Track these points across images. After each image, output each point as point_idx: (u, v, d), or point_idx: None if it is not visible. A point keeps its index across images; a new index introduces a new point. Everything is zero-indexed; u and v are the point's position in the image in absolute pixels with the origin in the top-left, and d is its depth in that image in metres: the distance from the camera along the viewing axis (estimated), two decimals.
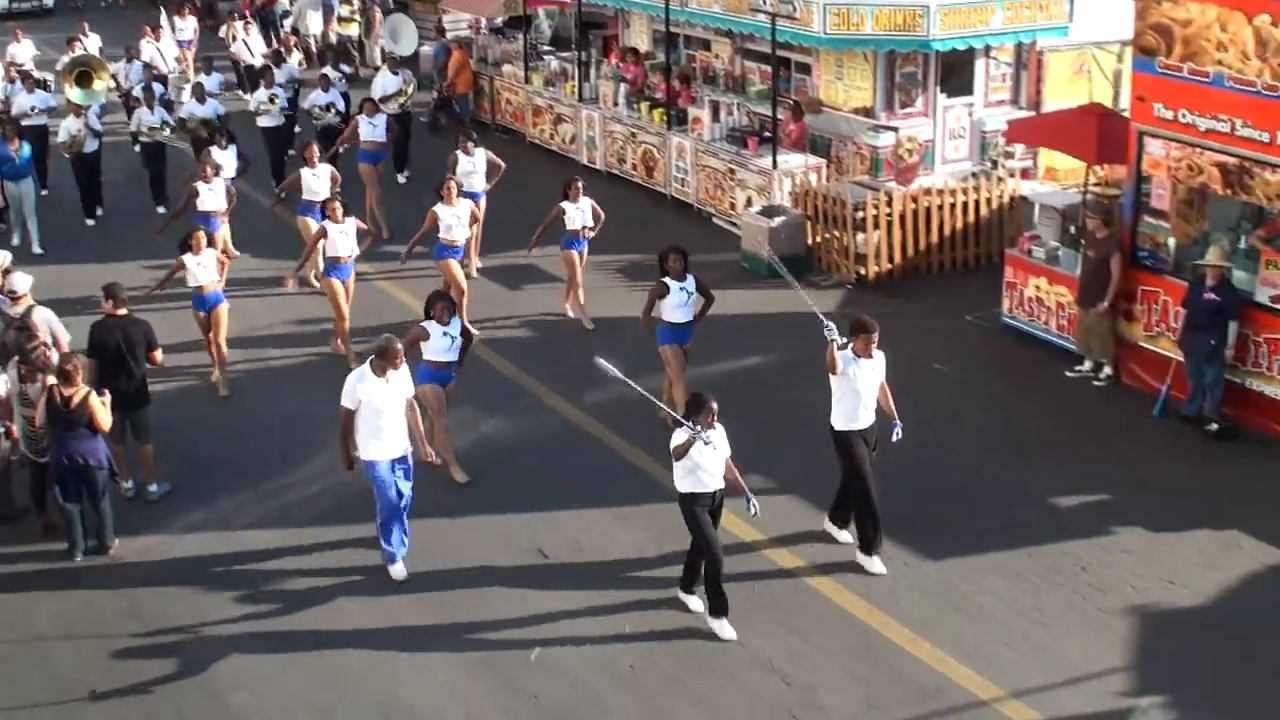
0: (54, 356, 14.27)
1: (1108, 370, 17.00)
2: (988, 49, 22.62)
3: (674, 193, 24.48)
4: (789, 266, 20.44)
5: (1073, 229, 18.08)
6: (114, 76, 27.99)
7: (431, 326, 14.40)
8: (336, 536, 14.01)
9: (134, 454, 14.74)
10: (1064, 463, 14.95)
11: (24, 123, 24.71)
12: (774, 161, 21.97)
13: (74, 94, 25.28)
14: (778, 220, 20.96)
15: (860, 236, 20.47)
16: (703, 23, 24.82)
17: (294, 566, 13.58)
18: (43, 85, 26.94)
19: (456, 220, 18.44)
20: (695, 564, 12.32)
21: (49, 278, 19.57)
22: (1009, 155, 22.57)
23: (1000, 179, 21.55)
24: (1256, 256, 15.62)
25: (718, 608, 12.12)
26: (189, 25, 36.87)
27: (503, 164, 21.48)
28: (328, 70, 27.61)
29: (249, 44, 33.14)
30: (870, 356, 12.76)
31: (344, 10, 37.09)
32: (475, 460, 15.20)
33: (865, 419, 12.86)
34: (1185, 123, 15.68)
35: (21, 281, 15.67)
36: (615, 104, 26.32)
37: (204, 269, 16.67)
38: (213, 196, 20.16)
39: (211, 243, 17.51)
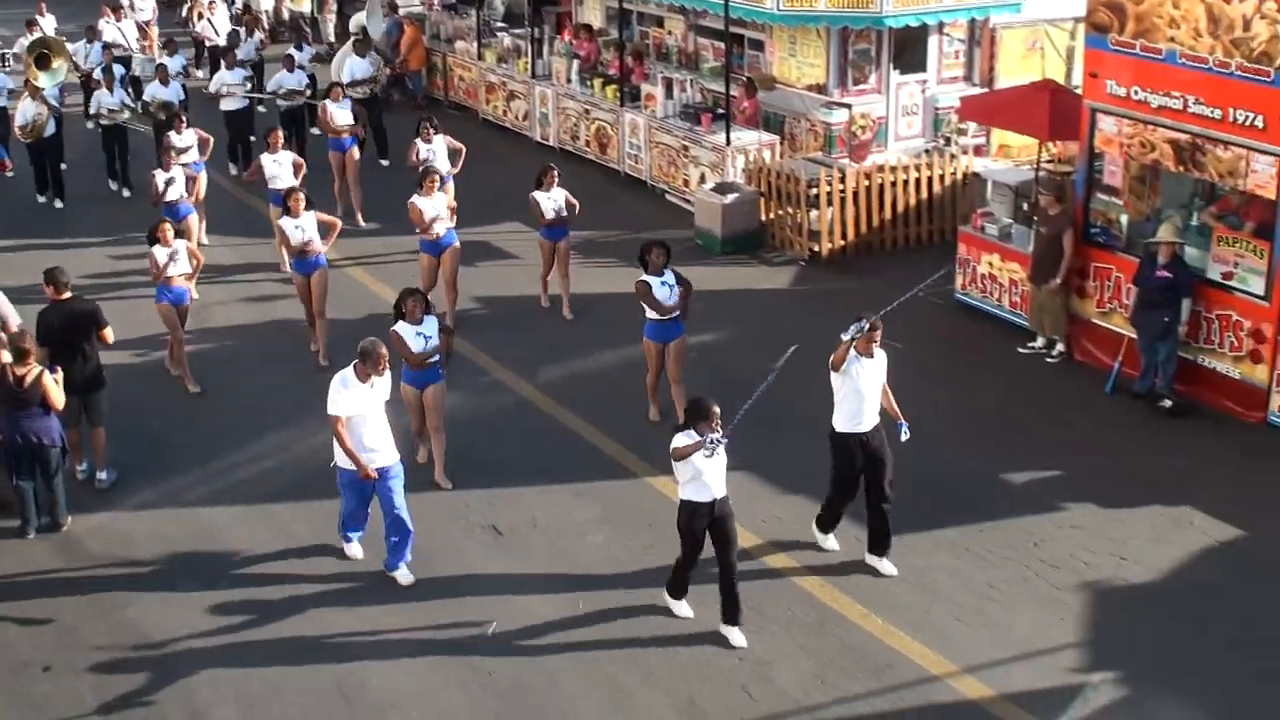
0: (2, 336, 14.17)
1: (1060, 347, 17.03)
2: (941, 25, 22.63)
3: (627, 169, 24.39)
4: (742, 243, 20.57)
5: (1025, 206, 18.12)
6: (73, 58, 26.85)
7: (403, 328, 13.80)
8: (289, 513, 13.91)
9: (87, 437, 14.51)
10: (1017, 438, 14.96)
11: None
12: (727, 138, 21.95)
13: (38, 77, 24.07)
14: (731, 197, 20.92)
15: (814, 213, 20.44)
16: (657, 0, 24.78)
17: (246, 543, 13.45)
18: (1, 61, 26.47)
19: (435, 211, 17.63)
20: (684, 571, 11.89)
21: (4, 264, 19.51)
22: (962, 132, 22.62)
23: (953, 156, 21.57)
24: (1208, 233, 15.66)
25: (675, 589, 12.01)
26: (148, 4, 35.49)
27: (463, 147, 20.86)
28: (293, 52, 26.71)
29: (214, 22, 32.21)
30: (872, 355, 12.32)
31: None
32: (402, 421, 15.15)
33: (868, 421, 12.35)
34: (1138, 99, 15.69)
35: None
36: (568, 81, 26.18)
37: (175, 262, 16.00)
38: (174, 186, 19.31)
39: (180, 234, 16.70)
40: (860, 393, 12.24)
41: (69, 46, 26.56)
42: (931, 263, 19.46)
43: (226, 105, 25.01)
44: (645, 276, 14.90)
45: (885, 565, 12.60)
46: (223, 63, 26.07)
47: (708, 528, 11.48)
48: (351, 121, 22.77)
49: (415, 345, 13.75)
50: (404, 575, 12.64)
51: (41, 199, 23.93)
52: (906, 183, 20.80)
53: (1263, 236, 14.97)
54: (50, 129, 23.25)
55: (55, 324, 14.15)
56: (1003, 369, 16.82)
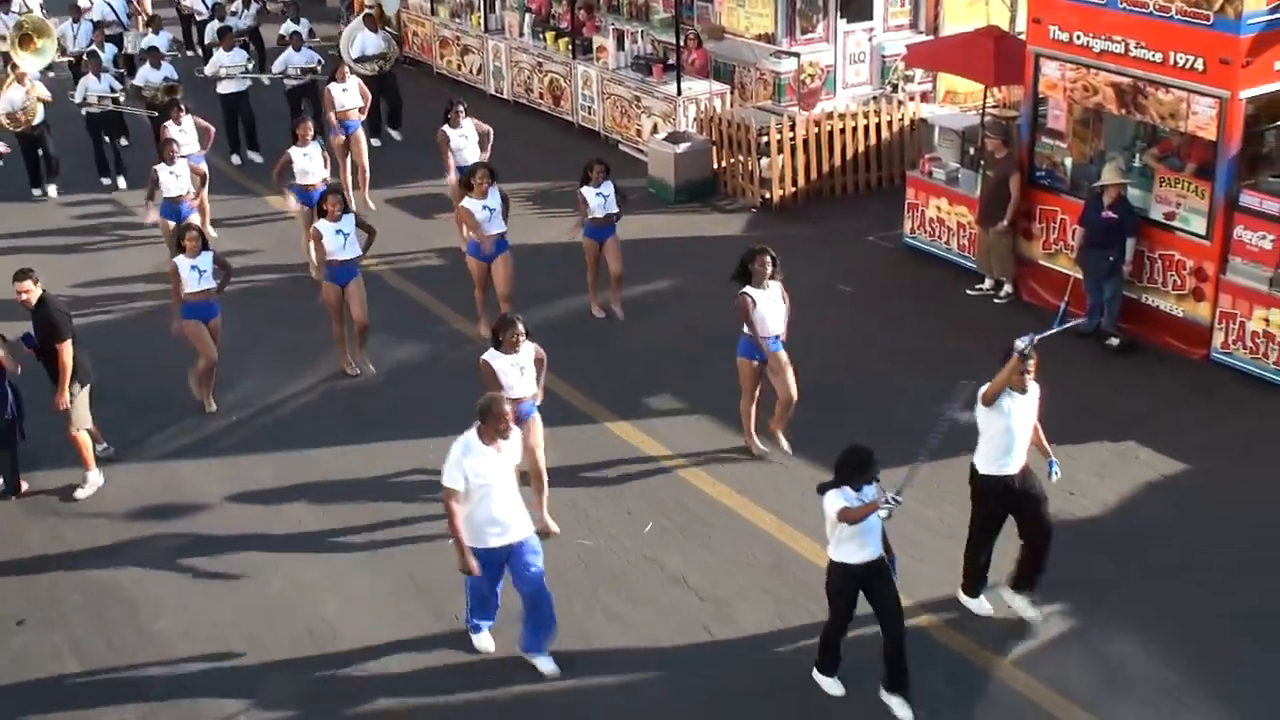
0: None
1: (1008, 288, 17.11)
2: None
3: (581, 121, 24.33)
4: (694, 191, 20.54)
5: (972, 150, 18.10)
6: (60, 40, 24.35)
7: (495, 358, 11.87)
8: (257, 467, 13.88)
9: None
10: (965, 377, 14.98)
11: None
12: (679, 88, 21.89)
13: (26, 61, 22.30)
14: (683, 146, 20.90)
15: (764, 161, 20.45)
16: None
17: (215, 498, 13.43)
18: None
19: (489, 214, 15.73)
20: (834, 640, 10.34)
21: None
22: (909, 79, 22.60)
23: (900, 102, 21.57)
24: (1151, 175, 15.72)
25: (826, 665, 10.42)
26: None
27: (490, 129, 19.24)
28: (298, 27, 24.79)
29: None
30: (1024, 390, 10.67)
31: None
32: (391, 387, 15.10)
33: (1016, 462, 10.73)
34: (1080, 44, 15.70)
35: None
36: (521, 34, 26.08)
37: (200, 274, 14.35)
38: (176, 181, 17.62)
39: (206, 245, 14.71)
40: (1011, 430, 10.66)
41: (55, 27, 24.38)
42: (881, 208, 19.62)
43: (224, 88, 23.10)
44: (748, 289, 13.02)
45: (1027, 607, 11.10)
46: (220, 45, 23.61)
47: (862, 589, 10.02)
48: (359, 103, 21.03)
49: (513, 378, 11.80)
50: (546, 664, 10.66)
51: (37, 192, 22.16)
52: (855, 130, 20.81)
53: (1203, 177, 15.04)
54: (40, 116, 21.41)
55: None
56: (951, 311, 16.87)
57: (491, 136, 19.09)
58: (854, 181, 20.96)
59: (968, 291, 17.26)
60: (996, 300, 17.06)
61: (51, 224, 20.97)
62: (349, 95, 20.80)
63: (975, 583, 11.25)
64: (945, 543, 12.13)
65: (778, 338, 13.03)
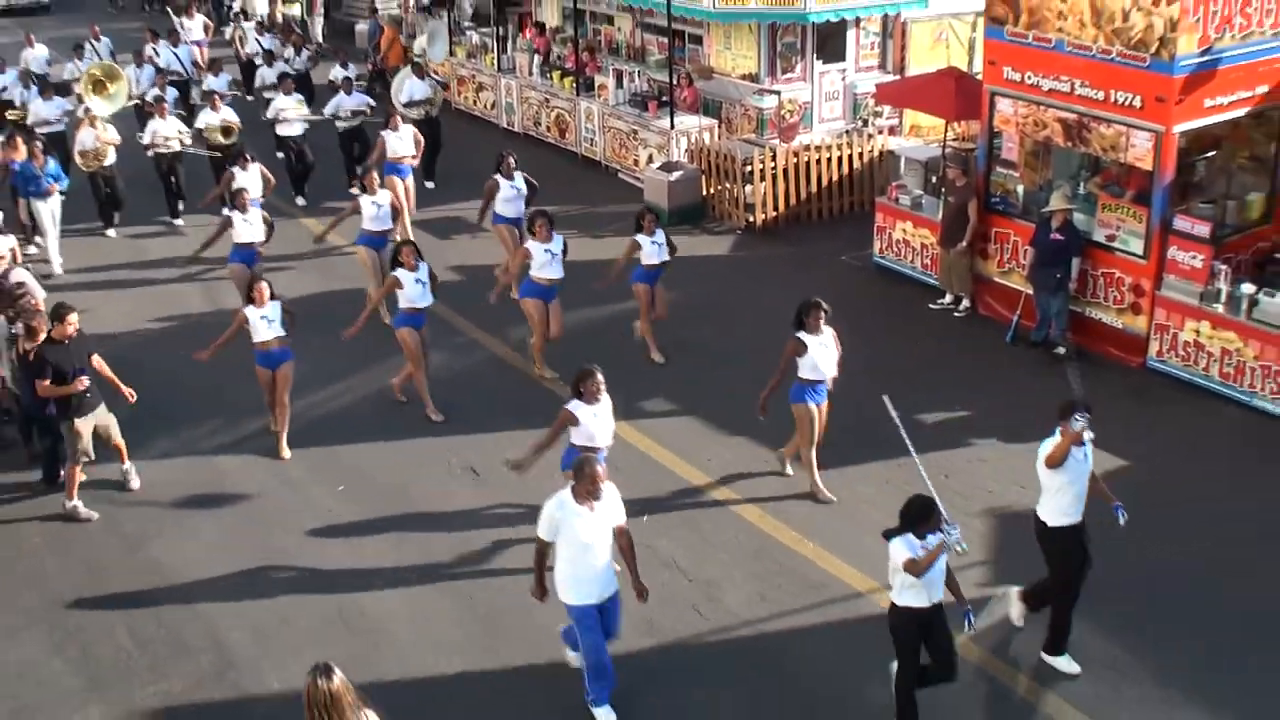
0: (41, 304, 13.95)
1: (966, 303, 17.08)
2: (858, 20, 22.53)
3: (584, 152, 24.25)
4: (686, 215, 20.50)
5: (934, 179, 18.14)
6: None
7: (578, 407, 11.18)
8: (295, 462, 13.84)
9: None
10: (929, 384, 15.01)
11: (40, 130, 21.71)
12: (671, 123, 21.84)
13: (98, 105, 21.40)
14: (676, 175, 20.86)
15: (749, 188, 20.42)
16: (607, 0, 24.57)
17: (255, 489, 13.41)
18: (61, 91, 23.57)
19: (551, 257, 14.91)
20: (908, 689, 9.54)
21: (84, 303, 16.83)
22: (878, 114, 22.60)
23: (870, 135, 21.54)
24: (1094, 201, 15.72)
25: (904, 713, 9.54)
26: (196, 24, 31.40)
27: (537, 183, 18.09)
28: (348, 73, 23.79)
29: (261, 43, 29.04)
30: (1082, 442, 9.88)
31: None
32: (413, 390, 15.06)
33: (1081, 511, 10.08)
34: (1031, 84, 15.69)
35: (2, 244, 15.39)
36: (530, 73, 26.05)
37: (269, 323, 13.39)
38: (249, 228, 16.48)
39: (274, 294, 13.63)
40: (1073, 484, 10.00)
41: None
42: (853, 230, 19.59)
43: (283, 130, 22.05)
44: (801, 335, 12.39)
45: (1067, 663, 10.32)
46: (279, 88, 22.68)
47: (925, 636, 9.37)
48: (412, 151, 20.03)
49: (589, 425, 11.12)
50: (604, 713, 9.89)
51: (110, 232, 21.24)
52: (830, 160, 20.78)
53: (1141, 203, 15.02)
54: (110, 158, 20.53)
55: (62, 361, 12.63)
56: (916, 323, 16.85)
57: (538, 190, 18.10)
58: (829, 207, 20.91)
59: (930, 306, 17.23)
60: (956, 314, 17.03)
61: (118, 258, 20.21)
62: (403, 143, 19.92)
63: (1061, 641, 10.31)
64: None
65: (823, 383, 12.45)
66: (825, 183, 20.81)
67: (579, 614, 9.46)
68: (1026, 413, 14.20)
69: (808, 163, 20.62)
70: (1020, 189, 16.63)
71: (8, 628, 11.24)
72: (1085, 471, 9.97)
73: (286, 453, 13.90)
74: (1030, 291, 15.93)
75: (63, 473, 13.04)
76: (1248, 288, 14.31)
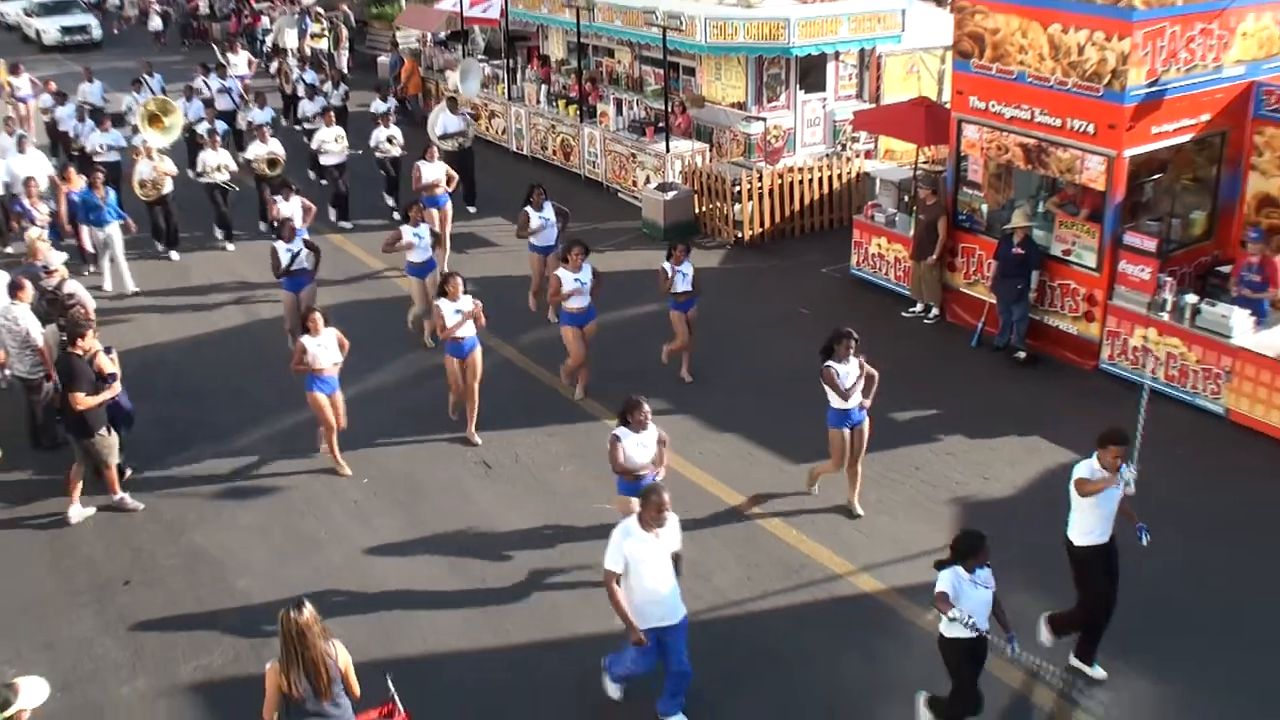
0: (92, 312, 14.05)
1: (935, 311, 17.16)
2: (837, 54, 22.62)
3: (587, 173, 24.31)
4: (680, 231, 20.58)
5: (906, 198, 18.18)
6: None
7: (625, 434, 10.77)
8: (320, 460, 13.85)
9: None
10: (901, 385, 15.05)
11: (97, 159, 21.69)
12: (667, 147, 21.91)
13: (154, 138, 21.03)
14: (671, 195, 20.93)
15: (737, 206, 20.48)
16: (607, 35, 24.64)
17: (288, 482, 13.47)
18: (116, 123, 23.46)
19: (580, 286, 14.44)
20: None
21: (138, 320, 18.02)
22: (855, 139, 22.68)
23: (848, 159, 21.65)
24: (1052, 218, 15.79)
25: None
26: (241, 59, 30.66)
27: (569, 211, 17.78)
28: (386, 106, 23.38)
29: (304, 78, 28.56)
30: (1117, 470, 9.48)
31: (315, 28, 36.41)
32: (430, 393, 15.12)
33: (1106, 534, 9.69)
34: (994, 111, 15.79)
35: (56, 258, 15.43)
36: (538, 102, 26.13)
37: (325, 350, 12.98)
38: (292, 258, 15.79)
39: (327, 322, 13.16)
40: (1101, 506, 9.61)
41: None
42: (833, 245, 19.65)
43: (326, 160, 21.80)
44: (830, 363, 11.95)
45: (1096, 670, 10.00)
46: (320, 121, 22.53)
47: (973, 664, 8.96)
48: (442, 180, 19.37)
49: (636, 454, 10.72)
50: (612, 689, 9.80)
51: (160, 248, 20.79)
52: (811, 181, 20.87)
53: (1094, 220, 15.12)
54: (167, 187, 20.15)
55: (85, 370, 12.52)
56: (890, 329, 16.90)
57: (569, 217, 17.70)
58: (810, 223, 20.99)
59: (903, 314, 17.30)
60: (926, 321, 17.12)
61: (171, 278, 19.85)
62: (436, 173, 19.28)
63: (1092, 651, 9.99)
64: (876, 518, 12.29)
65: (862, 408, 12.01)
66: (807, 202, 20.91)
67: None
68: (990, 411, 14.37)
69: (791, 183, 20.72)
70: (985, 208, 16.72)
71: (63, 608, 11.33)
72: (1115, 496, 9.52)
73: (347, 469, 13.51)
74: (994, 301, 16.02)
75: (107, 474, 12.88)
76: (1191, 298, 14.40)
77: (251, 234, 21.37)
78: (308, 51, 35.63)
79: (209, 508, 12.96)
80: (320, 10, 37.20)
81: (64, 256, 15.78)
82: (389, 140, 21.99)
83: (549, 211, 16.87)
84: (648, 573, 8.87)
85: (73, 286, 15.07)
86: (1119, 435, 9.41)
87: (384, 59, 34.78)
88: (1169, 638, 10.36)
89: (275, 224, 16.86)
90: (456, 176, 19.96)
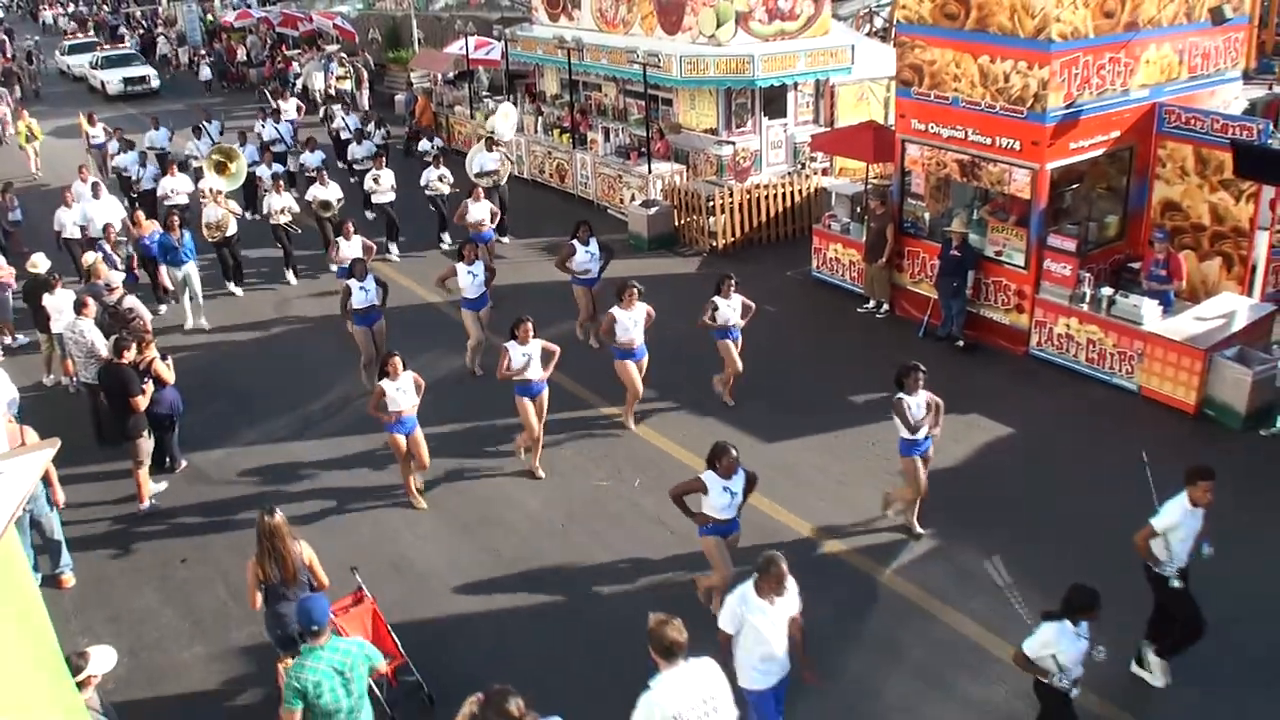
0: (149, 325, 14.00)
1: (885, 307, 17.16)
2: (795, 85, 22.60)
3: (579, 193, 24.26)
4: (662, 242, 20.55)
5: (859, 209, 18.19)
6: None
7: (710, 479, 9.41)
8: (353, 445, 13.83)
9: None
10: (857, 371, 15.09)
11: (167, 204, 20.89)
12: (649, 168, 21.89)
13: (220, 183, 19.99)
14: (654, 209, 20.90)
15: (712, 219, 20.46)
16: (596, 72, 24.56)
17: (323, 467, 13.42)
18: (180, 166, 22.60)
19: (634, 324, 13.22)
20: None
21: (210, 348, 17.26)
22: (813, 159, 22.65)
23: (807, 176, 21.62)
24: (985, 224, 15.79)
25: None
26: (290, 105, 29.83)
27: (612, 249, 16.30)
28: (429, 145, 23.34)
29: (348, 121, 27.44)
30: (1204, 505, 8.59)
31: (339, 71, 36.31)
32: (453, 391, 15.07)
33: (1187, 556, 8.72)
34: (933, 132, 15.79)
35: (116, 277, 15.40)
36: (536, 131, 26.05)
37: (404, 393, 11.82)
38: (365, 295, 14.61)
39: (405, 365, 11.87)
40: (1185, 535, 8.68)
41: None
42: (795, 251, 19.63)
43: (378, 199, 20.90)
44: (900, 394, 11.05)
45: (1159, 671, 9.22)
46: (372, 163, 21.72)
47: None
48: (487, 218, 18.49)
49: (720, 501, 9.42)
50: None
51: (239, 292, 19.70)
52: (776, 196, 20.85)
53: (1022, 225, 15.12)
54: (232, 228, 19.21)
55: (125, 380, 12.53)
56: (846, 323, 16.93)
57: (613, 254, 16.30)
58: (776, 233, 20.96)
59: (858, 310, 17.28)
60: (878, 315, 17.10)
61: (246, 315, 18.74)
62: (482, 211, 18.39)
63: (1167, 652, 9.17)
64: (838, 487, 12.26)
65: (930, 436, 11.12)
66: (772, 214, 20.87)
67: (757, 699, 7.97)
68: (935, 392, 14.30)
69: (758, 198, 20.69)
70: (927, 216, 16.71)
71: (130, 584, 11.32)
72: (1195, 529, 8.58)
73: (423, 503, 12.41)
74: (936, 297, 16.03)
75: (137, 474, 12.70)
76: (1106, 291, 14.44)
77: (315, 270, 20.32)
78: (333, 91, 35.62)
79: (252, 492, 12.90)
80: (344, 55, 37.07)
81: (122, 275, 15.72)
82: (440, 179, 21.13)
83: (594, 247, 15.63)
84: (767, 638, 7.76)
85: (131, 301, 15.01)
86: (1208, 471, 8.49)
87: (400, 96, 34.70)
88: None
89: (339, 265, 16.25)
90: (499, 213, 19.26)
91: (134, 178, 23.53)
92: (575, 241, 15.62)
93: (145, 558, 11.75)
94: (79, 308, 13.84)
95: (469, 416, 14.37)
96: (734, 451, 9.27)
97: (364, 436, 13.90)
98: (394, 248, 21.18)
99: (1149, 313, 13.92)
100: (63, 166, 28.57)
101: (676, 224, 21.12)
